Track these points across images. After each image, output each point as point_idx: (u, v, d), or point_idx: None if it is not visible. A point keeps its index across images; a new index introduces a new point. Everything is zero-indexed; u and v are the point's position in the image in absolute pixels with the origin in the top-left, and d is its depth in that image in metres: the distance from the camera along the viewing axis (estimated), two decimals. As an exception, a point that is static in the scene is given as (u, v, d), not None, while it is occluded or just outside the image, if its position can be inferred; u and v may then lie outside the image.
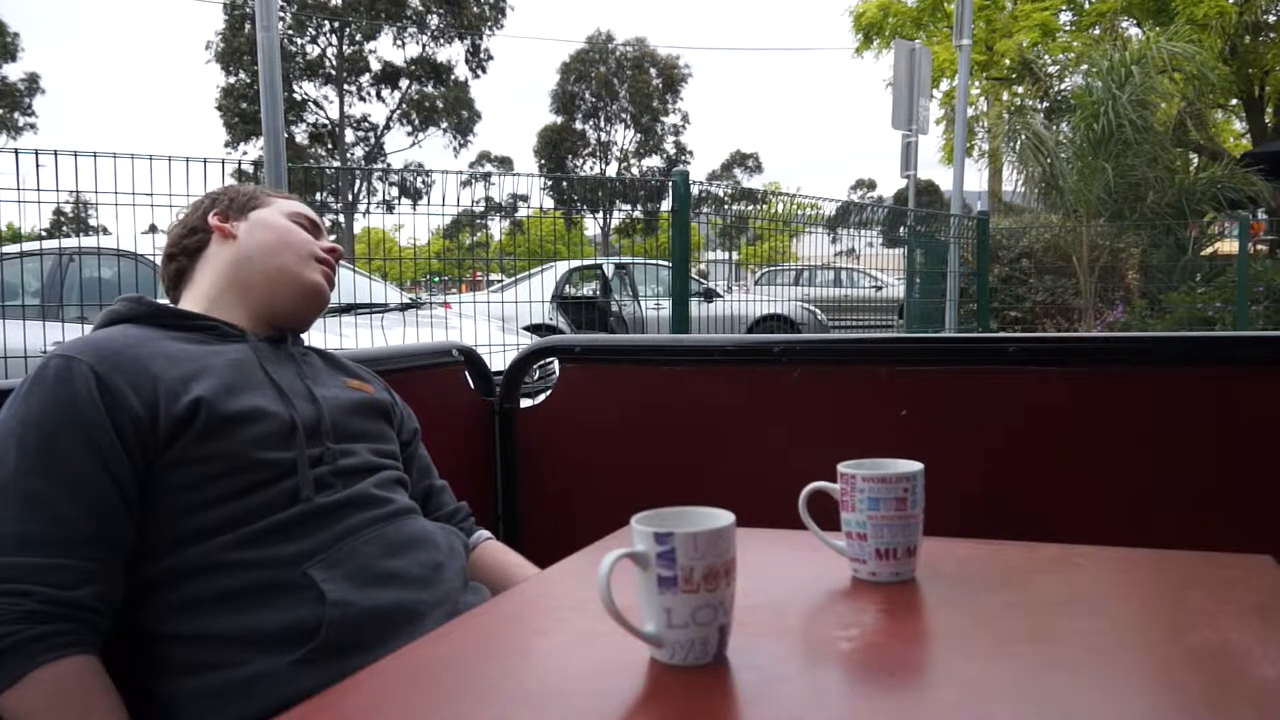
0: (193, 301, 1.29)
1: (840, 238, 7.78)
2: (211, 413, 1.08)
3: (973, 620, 0.90)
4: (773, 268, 10.50)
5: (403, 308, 4.77)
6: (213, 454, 1.08)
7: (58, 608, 0.98)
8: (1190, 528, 1.40)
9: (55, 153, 3.66)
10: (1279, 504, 1.45)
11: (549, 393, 2.00)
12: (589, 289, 7.65)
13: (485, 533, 1.43)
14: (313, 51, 28.65)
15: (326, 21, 28.62)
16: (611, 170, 34.99)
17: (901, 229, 8.30)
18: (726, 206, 8.18)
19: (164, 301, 1.32)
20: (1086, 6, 15.76)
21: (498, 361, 2.65)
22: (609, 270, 7.51)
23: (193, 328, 1.22)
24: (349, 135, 29.72)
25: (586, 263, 8.02)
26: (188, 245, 1.32)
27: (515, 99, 70.11)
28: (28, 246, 4.76)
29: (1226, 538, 1.15)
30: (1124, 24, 15.31)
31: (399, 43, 29.38)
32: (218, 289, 1.29)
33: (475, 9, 29.40)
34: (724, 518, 0.81)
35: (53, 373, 1.06)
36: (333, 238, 1.40)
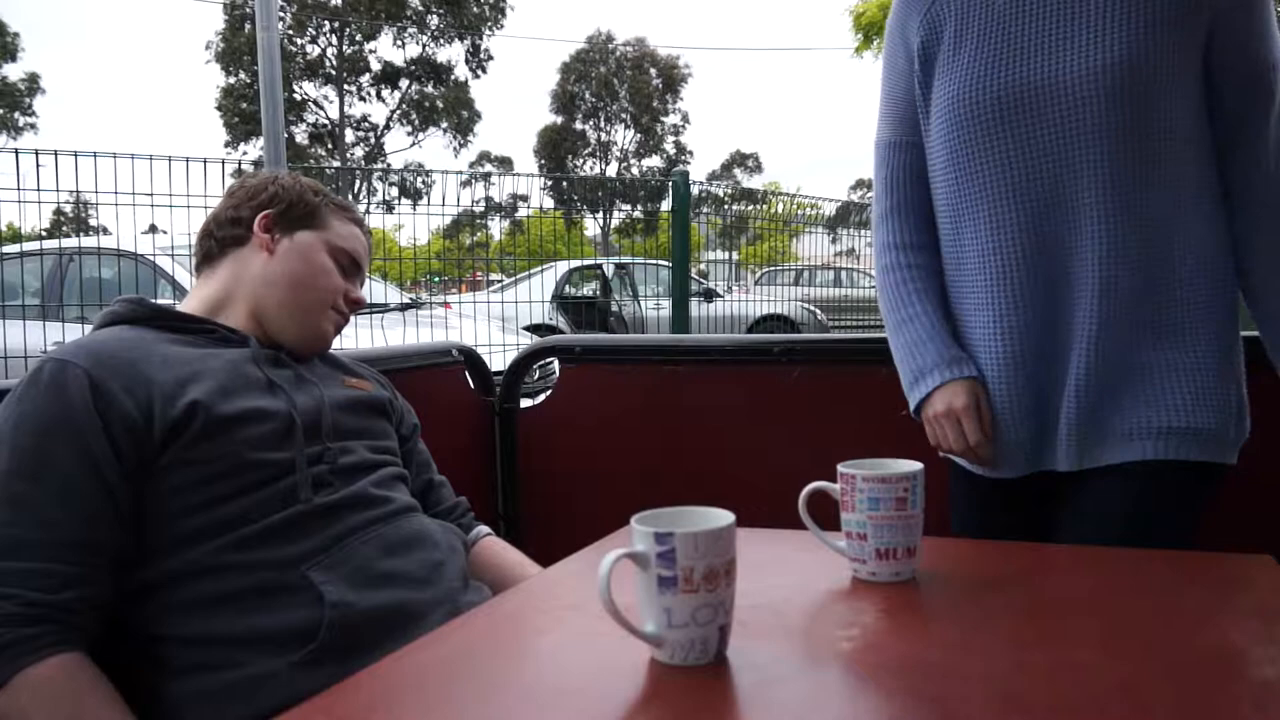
0: (205, 293, 1.29)
1: (840, 238, 7.79)
2: (208, 416, 1.08)
3: (973, 620, 0.90)
4: (773, 268, 10.49)
5: (403, 308, 4.77)
6: (210, 456, 1.08)
7: (41, 610, 0.97)
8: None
9: (55, 153, 3.67)
10: (1279, 504, 1.45)
11: (549, 393, 2.00)
12: (589, 289, 7.65)
13: (485, 528, 1.43)
14: (313, 51, 28.68)
15: (326, 21, 28.63)
16: (611, 170, 34.99)
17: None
18: (726, 206, 8.20)
19: (164, 302, 1.31)
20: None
21: (498, 361, 2.65)
22: (609, 270, 7.51)
23: (192, 330, 1.22)
24: (349, 135, 29.77)
25: (586, 263, 8.01)
26: (226, 236, 1.30)
27: (515, 99, 70.08)
28: (28, 246, 4.76)
29: (1226, 538, 1.15)
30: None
31: (399, 43, 29.46)
32: (233, 295, 1.28)
33: (475, 9, 29.42)
34: (724, 518, 0.81)
35: (47, 377, 1.05)
36: None
